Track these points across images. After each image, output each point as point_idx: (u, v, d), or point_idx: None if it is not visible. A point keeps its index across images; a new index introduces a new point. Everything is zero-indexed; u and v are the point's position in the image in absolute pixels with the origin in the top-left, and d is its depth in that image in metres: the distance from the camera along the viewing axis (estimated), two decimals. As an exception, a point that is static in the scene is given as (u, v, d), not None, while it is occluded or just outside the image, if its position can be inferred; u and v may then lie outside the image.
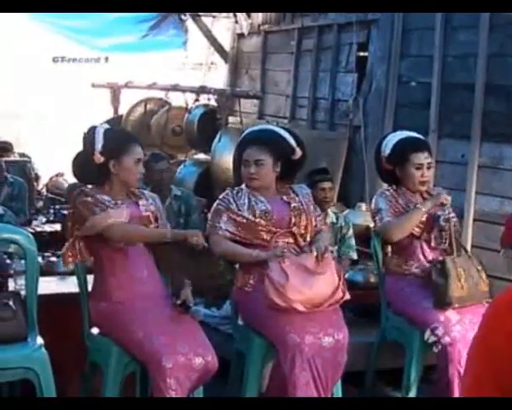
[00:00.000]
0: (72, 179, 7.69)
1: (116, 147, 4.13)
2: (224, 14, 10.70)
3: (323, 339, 4.15)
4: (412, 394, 4.71)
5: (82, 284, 4.26)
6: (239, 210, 4.41)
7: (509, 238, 5.09)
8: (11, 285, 4.48)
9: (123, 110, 10.42)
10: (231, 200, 4.44)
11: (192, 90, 9.67)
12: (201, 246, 4.00)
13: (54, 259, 5.17)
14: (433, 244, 4.85)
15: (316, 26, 9.23)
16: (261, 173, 4.45)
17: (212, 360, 3.95)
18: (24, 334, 3.89)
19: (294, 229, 4.42)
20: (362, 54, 8.64)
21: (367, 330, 5.19)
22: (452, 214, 4.88)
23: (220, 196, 4.51)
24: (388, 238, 4.86)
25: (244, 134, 4.65)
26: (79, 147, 4.25)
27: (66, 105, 13.63)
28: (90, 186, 4.23)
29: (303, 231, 4.45)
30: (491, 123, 6.89)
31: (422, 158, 4.86)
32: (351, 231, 5.96)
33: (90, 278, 4.24)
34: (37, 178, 9.95)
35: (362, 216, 6.85)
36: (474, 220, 6.96)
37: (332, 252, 5.50)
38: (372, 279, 5.38)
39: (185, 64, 12.21)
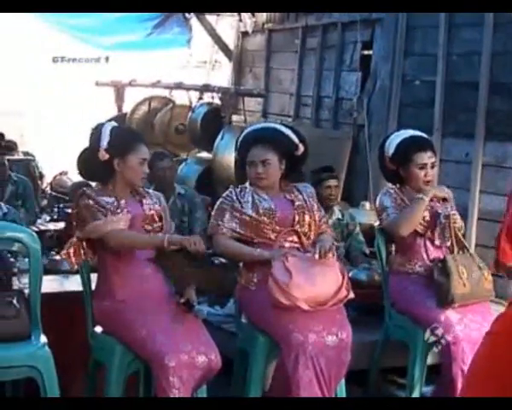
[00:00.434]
0: (76, 178, 7.72)
1: (122, 145, 4.12)
2: (229, 13, 10.70)
3: (327, 338, 4.15)
4: (416, 392, 4.70)
5: (85, 282, 4.26)
6: (242, 208, 4.40)
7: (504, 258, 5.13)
8: (15, 284, 4.48)
9: (127, 108, 10.43)
10: (235, 198, 4.44)
11: (196, 89, 9.67)
12: (202, 252, 3.94)
13: (58, 257, 5.17)
14: (436, 242, 4.84)
15: (320, 24, 9.24)
16: (268, 173, 4.44)
17: (215, 359, 3.95)
18: (27, 332, 3.89)
19: (298, 227, 4.41)
20: (366, 52, 8.65)
21: (371, 328, 5.18)
22: (453, 211, 4.87)
23: (223, 195, 4.50)
24: (397, 234, 4.84)
25: (245, 133, 4.59)
26: (83, 145, 4.24)
27: (69, 103, 13.63)
28: (92, 187, 4.23)
29: (306, 230, 4.45)
30: (495, 122, 6.88)
31: (426, 158, 4.85)
32: (358, 228, 5.97)
33: (94, 277, 4.24)
34: (41, 176, 9.97)
35: (366, 215, 6.84)
36: (478, 219, 6.96)
37: (338, 249, 5.52)
38: (376, 278, 5.37)
39: (189, 62, 12.22)
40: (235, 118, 9.22)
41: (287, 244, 4.38)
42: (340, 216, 5.93)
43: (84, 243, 4.11)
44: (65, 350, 4.12)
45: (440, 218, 4.83)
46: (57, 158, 11.20)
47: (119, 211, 4.06)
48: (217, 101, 9.28)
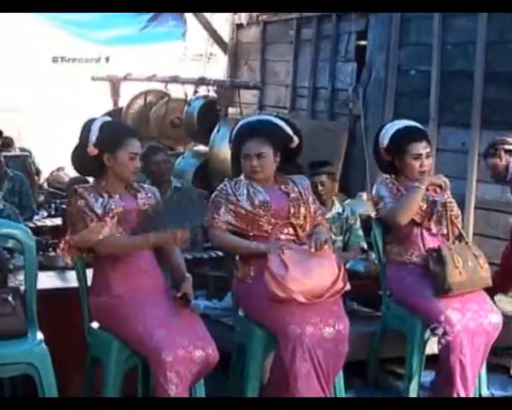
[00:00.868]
0: (72, 173, 7.70)
1: (110, 140, 4.09)
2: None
3: (324, 330, 4.14)
4: (414, 383, 4.71)
5: (81, 278, 4.24)
6: (238, 201, 4.40)
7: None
8: (11, 281, 4.47)
9: (123, 103, 10.41)
10: (230, 191, 4.43)
11: (191, 82, 9.65)
12: (186, 242, 3.97)
13: (53, 253, 5.16)
14: (433, 230, 4.83)
15: (315, 15, 9.23)
16: (263, 166, 4.43)
17: (212, 353, 3.94)
18: (24, 329, 3.88)
19: (293, 220, 4.41)
20: (361, 43, 8.63)
21: (368, 319, 5.20)
22: (450, 199, 4.85)
23: (218, 188, 4.49)
24: (395, 223, 4.82)
25: (239, 126, 4.58)
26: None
27: (66, 99, 13.61)
28: (85, 185, 4.22)
29: (302, 222, 4.44)
30: (491, 111, 6.88)
31: (421, 148, 4.83)
32: (358, 222, 5.95)
33: (90, 273, 4.24)
34: (37, 172, 9.95)
35: (363, 205, 6.84)
36: (475, 208, 6.96)
37: (335, 243, 5.52)
38: (373, 269, 5.36)
39: (185, 56, 12.20)
40: (231, 110, 9.20)
41: (282, 236, 4.38)
42: (340, 210, 5.90)
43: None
44: (62, 347, 4.12)
45: (437, 206, 4.82)
46: (56, 155, 11.17)
47: (107, 214, 4.04)
48: (212, 94, 9.26)
